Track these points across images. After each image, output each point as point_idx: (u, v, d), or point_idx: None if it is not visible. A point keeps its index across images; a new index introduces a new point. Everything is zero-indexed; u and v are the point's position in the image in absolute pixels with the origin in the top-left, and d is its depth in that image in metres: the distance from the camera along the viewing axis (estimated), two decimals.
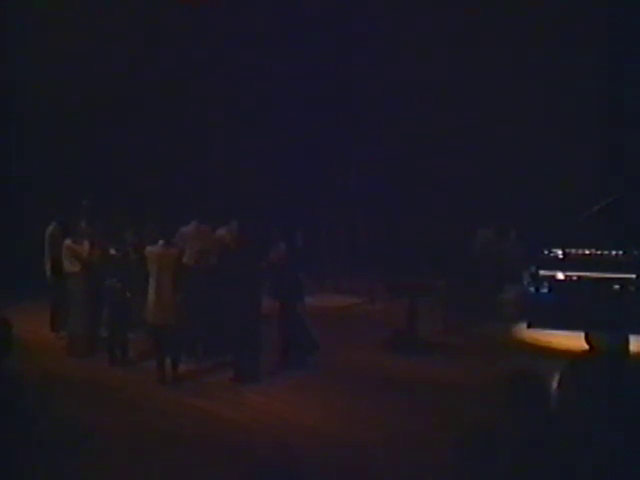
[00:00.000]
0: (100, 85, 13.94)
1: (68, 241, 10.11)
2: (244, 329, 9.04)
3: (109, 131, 14.12)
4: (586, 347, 10.45)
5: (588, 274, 10.71)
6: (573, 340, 10.55)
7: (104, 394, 8.53)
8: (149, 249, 9.06)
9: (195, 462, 6.70)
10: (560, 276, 10.86)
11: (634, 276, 10.53)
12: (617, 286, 10.51)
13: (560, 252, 11.10)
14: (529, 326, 11.05)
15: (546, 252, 11.17)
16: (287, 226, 10.60)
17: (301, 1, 15.53)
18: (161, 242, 9.04)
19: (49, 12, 13.65)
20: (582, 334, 10.51)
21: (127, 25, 14.34)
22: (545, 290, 10.90)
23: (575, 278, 10.78)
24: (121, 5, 14.31)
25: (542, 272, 10.96)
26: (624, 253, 10.81)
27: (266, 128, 15.39)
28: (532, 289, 11.04)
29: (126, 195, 13.60)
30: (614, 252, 10.84)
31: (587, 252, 11.00)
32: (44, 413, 6.86)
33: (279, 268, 9.62)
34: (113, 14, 14.11)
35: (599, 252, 10.92)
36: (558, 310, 10.62)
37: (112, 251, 9.69)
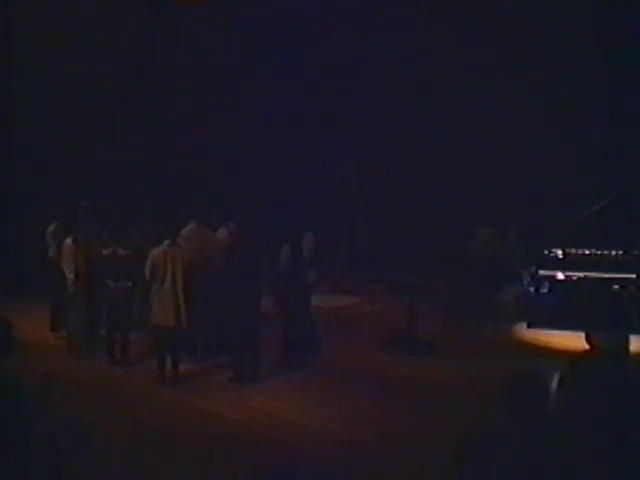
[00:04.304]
0: (100, 85, 13.93)
1: (68, 241, 10.11)
2: (244, 329, 9.03)
3: (109, 131, 14.10)
4: (586, 347, 10.43)
5: (588, 274, 10.72)
6: (573, 340, 10.53)
7: (104, 394, 8.53)
8: (155, 250, 9.03)
9: (195, 462, 6.71)
10: (560, 276, 10.87)
11: (634, 276, 10.54)
12: (617, 286, 10.52)
13: (560, 252, 11.11)
14: (529, 326, 11.05)
15: (546, 252, 11.18)
16: (293, 228, 10.60)
17: (301, 1, 15.52)
18: (166, 242, 9.02)
19: (49, 12, 13.64)
20: (582, 334, 10.49)
21: (127, 24, 14.33)
22: (545, 290, 10.92)
23: (575, 278, 10.79)
24: (121, 5, 14.31)
25: (542, 272, 10.97)
26: (624, 253, 10.82)
27: (266, 127, 15.38)
28: (532, 289, 11.06)
29: (126, 195, 13.60)
30: (614, 252, 10.86)
31: (587, 252, 11.01)
32: (43, 413, 6.86)
33: (282, 270, 9.59)
34: (113, 13, 14.09)
35: (599, 252, 10.93)
36: (558, 310, 10.64)
37: (119, 251, 9.62)
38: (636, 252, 10.79)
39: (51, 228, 10.91)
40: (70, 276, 10.00)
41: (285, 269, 9.56)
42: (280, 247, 9.66)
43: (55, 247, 10.63)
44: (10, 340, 5.00)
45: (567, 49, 14.06)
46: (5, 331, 5.01)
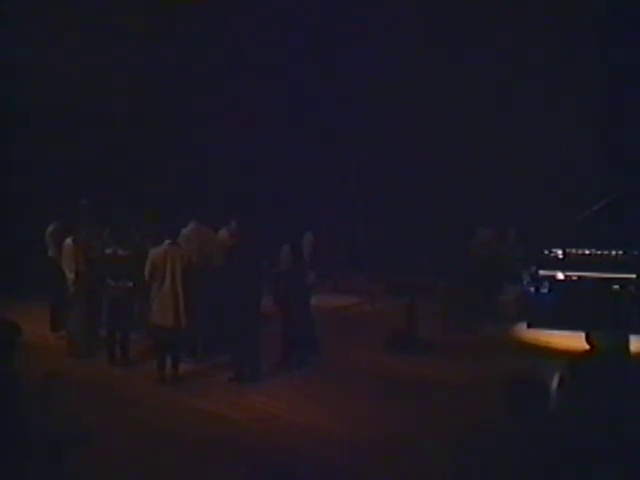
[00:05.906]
0: (101, 84, 13.92)
1: (68, 241, 10.10)
2: (244, 329, 9.03)
3: (109, 131, 14.10)
4: (586, 347, 10.42)
5: (588, 274, 10.70)
6: (573, 340, 10.54)
7: (104, 394, 8.53)
8: (154, 250, 9.02)
9: (195, 462, 6.71)
10: (560, 276, 10.86)
11: (634, 276, 10.53)
12: (617, 286, 10.51)
13: (560, 252, 11.10)
14: (529, 326, 11.04)
15: (546, 252, 11.16)
16: (293, 228, 10.59)
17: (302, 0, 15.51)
18: (167, 242, 9.00)
19: (49, 10, 13.64)
20: (582, 334, 10.50)
21: (128, 24, 14.31)
22: (545, 290, 10.90)
23: (575, 278, 10.77)
24: (122, 3, 14.30)
25: (542, 272, 10.95)
26: (624, 253, 10.81)
27: (266, 127, 15.38)
28: (532, 289, 11.04)
29: (126, 195, 13.60)
30: (614, 252, 10.85)
31: (587, 252, 11.00)
32: (44, 413, 6.86)
33: (282, 270, 9.58)
34: (114, 12, 14.09)
35: (599, 252, 10.93)
36: (558, 310, 10.62)
37: (120, 251, 9.61)
38: (636, 252, 10.77)
39: (51, 228, 10.90)
40: (70, 276, 10.00)
41: (285, 269, 9.56)
42: (280, 247, 9.66)
43: (55, 247, 10.63)
44: (16, 344, 5.05)
45: (567, 49, 14.06)
46: (14, 334, 5.06)
